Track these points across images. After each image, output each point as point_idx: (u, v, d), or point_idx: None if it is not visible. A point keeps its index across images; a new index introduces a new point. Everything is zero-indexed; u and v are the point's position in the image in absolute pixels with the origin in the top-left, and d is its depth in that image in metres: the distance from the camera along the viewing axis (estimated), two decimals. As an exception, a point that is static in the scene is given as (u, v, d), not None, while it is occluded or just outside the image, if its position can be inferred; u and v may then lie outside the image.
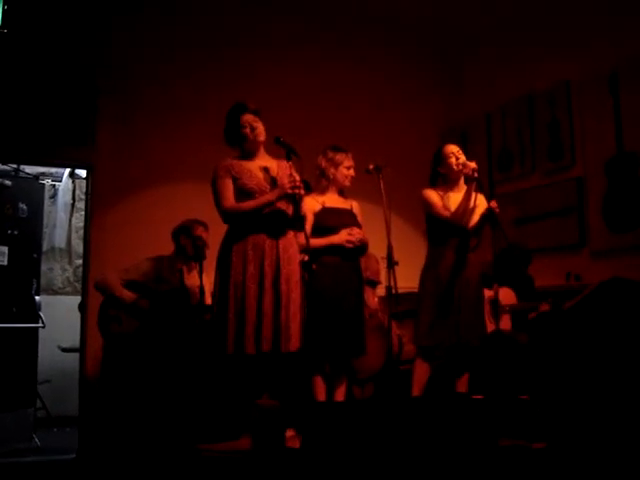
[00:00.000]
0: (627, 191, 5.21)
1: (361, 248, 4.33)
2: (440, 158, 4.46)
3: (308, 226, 4.27)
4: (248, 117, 4.00)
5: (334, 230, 4.28)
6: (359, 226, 4.37)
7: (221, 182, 3.93)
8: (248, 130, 3.98)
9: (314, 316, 4.10)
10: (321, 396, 4.22)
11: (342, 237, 4.26)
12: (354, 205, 4.46)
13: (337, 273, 4.26)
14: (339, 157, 4.37)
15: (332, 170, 4.38)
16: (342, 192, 4.46)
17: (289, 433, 3.69)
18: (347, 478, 3.12)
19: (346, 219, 4.35)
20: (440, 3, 6.22)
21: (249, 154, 4.03)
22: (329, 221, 4.30)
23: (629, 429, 3.63)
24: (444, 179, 4.48)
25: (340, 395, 4.34)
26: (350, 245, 4.26)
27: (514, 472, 3.33)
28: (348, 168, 4.39)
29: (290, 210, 3.95)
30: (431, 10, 6.34)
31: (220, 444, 3.76)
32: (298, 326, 3.87)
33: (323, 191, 4.41)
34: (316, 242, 4.22)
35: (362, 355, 4.36)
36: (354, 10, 6.42)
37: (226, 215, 3.92)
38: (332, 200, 4.39)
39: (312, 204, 4.31)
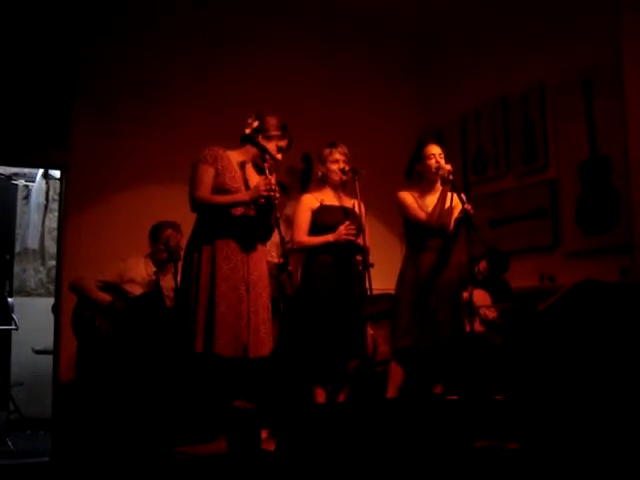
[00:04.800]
0: (600, 194, 5.25)
1: (356, 246, 4.22)
2: (420, 156, 4.46)
3: (305, 224, 4.27)
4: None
5: (330, 228, 4.23)
6: (360, 226, 4.21)
7: (203, 168, 3.82)
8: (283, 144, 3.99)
9: (310, 318, 4.14)
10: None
11: (338, 234, 4.18)
12: (356, 204, 4.31)
13: (334, 272, 4.23)
14: (325, 153, 4.36)
15: (321, 167, 4.38)
16: (340, 188, 4.39)
17: (264, 435, 3.69)
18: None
19: (341, 217, 4.26)
20: (415, 6, 6.25)
21: (247, 152, 3.97)
22: (325, 219, 4.28)
23: (603, 429, 3.66)
24: (419, 176, 4.50)
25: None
26: (349, 237, 4.16)
27: (489, 473, 3.35)
28: (333, 162, 4.33)
29: (260, 214, 3.89)
30: (407, 14, 6.35)
31: (196, 447, 3.75)
32: (269, 330, 3.87)
33: (320, 189, 4.41)
34: (312, 240, 4.23)
35: (365, 356, 4.31)
36: (335, 12, 6.39)
37: (196, 203, 3.83)
38: (329, 198, 4.37)
39: (311, 202, 4.32)
